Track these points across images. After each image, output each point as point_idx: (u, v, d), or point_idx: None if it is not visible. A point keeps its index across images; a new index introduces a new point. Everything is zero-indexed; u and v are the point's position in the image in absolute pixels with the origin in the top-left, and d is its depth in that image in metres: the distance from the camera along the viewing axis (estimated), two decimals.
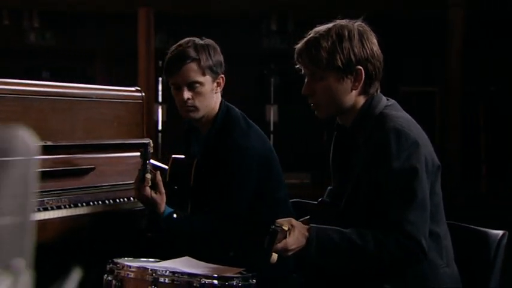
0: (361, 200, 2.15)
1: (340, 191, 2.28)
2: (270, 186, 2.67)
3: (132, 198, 3.03)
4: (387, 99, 2.27)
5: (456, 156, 8.37)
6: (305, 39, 2.24)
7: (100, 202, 2.88)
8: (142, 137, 3.27)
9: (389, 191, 2.07)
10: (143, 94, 3.29)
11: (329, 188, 2.57)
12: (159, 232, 2.59)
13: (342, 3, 8.98)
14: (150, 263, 2.20)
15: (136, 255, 2.50)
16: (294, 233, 2.07)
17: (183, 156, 2.92)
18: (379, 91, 2.25)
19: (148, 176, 2.46)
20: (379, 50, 2.23)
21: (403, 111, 2.24)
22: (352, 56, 2.16)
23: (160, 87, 10.14)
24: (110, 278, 2.14)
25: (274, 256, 2.03)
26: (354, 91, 2.20)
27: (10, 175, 0.88)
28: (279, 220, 2.13)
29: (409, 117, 2.21)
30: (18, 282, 0.89)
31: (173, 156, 2.86)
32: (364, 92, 2.21)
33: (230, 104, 2.78)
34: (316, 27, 2.29)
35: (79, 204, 2.79)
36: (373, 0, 8.86)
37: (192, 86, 2.63)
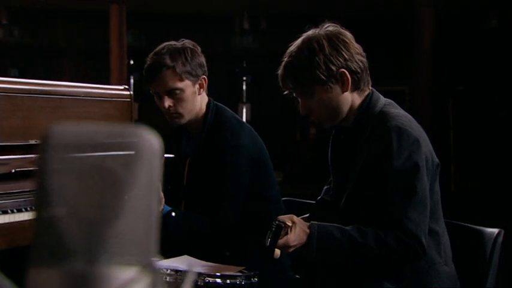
0: (361, 198, 2.18)
1: (340, 189, 2.30)
2: (263, 184, 2.69)
3: None
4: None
5: None
6: (282, 64, 2.29)
7: None
8: None
9: (390, 189, 2.11)
10: (131, 93, 3.29)
11: (325, 187, 2.60)
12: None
13: (312, 3, 9.04)
14: None
15: None
16: (296, 230, 2.10)
17: (172, 156, 2.93)
18: (370, 84, 2.29)
19: None
20: (356, 44, 2.26)
21: (401, 109, 2.28)
22: (331, 65, 2.20)
23: (132, 86, 10.09)
24: None
25: (277, 252, 2.08)
26: (345, 92, 2.23)
27: (137, 174, 0.88)
28: (281, 217, 2.17)
29: (409, 115, 2.25)
30: (157, 282, 0.91)
31: (164, 155, 2.86)
32: (356, 88, 2.25)
33: (219, 103, 2.79)
34: (288, 47, 2.33)
35: None
36: (342, 0, 8.92)
37: (171, 93, 2.65)
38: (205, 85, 2.71)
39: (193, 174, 2.71)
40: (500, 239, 2.30)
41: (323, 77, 2.19)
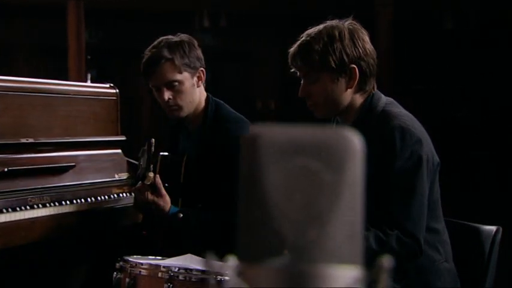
0: (364, 197, 2.20)
1: None
2: None
3: (112, 196, 3.02)
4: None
5: None
6: (297, 42, 2.29)
7: (83, 200, 2.85)
8: (117, 134, 3.26)
9: (391, 188, 2.13)
10: (117, 91, 3.28)
11: None
12: (154, 230, 2.59)
13: (274, 2, 9.08)
14: (157, 261, 2.19)
15: (130, 253, 2.49)
16: None
17: (167, 154, 2.92)
18: (375, 88, 2.31)
19: (151, 174, 2.44)
20: (372, 47, 2.29)
21: (402, 108, 2.30)
22: (345, 56, 2.21)
23: (89, 83, 9.96)
24: (120, 276, 2.13)
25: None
26: (349, 90, 2.25)
27: (344, 175, 0.89)
28: None
29: (410, 114, 2.27)
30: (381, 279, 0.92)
31: (160, 153, 2.85)
32: (360, 89, 2.26)
33: (216, 99, 2.80)
34: (307, 29, 2.35)
35: (62, 203, 2.76)
36: (304, 0, 8.99)
37: (170, 85, 2.66)
38: (203, 78, 2.72)
39: (191, 171, 2.71)
40: (499, 236, 2.34)
41: (333, 65, 2.20)
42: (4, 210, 2.55)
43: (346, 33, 2.22)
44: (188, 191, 2.73)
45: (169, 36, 2.73)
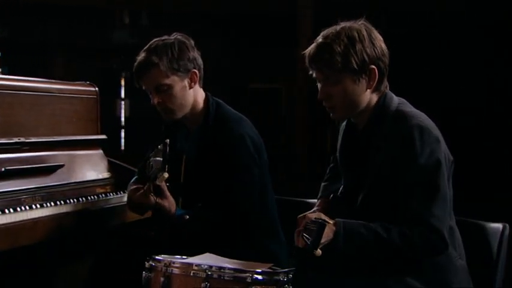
0: (381, 196, 2.21)
1: (353, 187, 2.33)
2: (263, 173, 2.72)
3: (101, 196, 2.99)
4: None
5: (303, 151, 8.87)
6: (315, 44, 2.26)
7: (75, 200, 2.82)
8: (98, 133, 3.22)
9: (413, 186, 2.14)
10: (97, 89, 3.24)
11: (323, 183, 2.64)
12: (162, 230, 2.58)
13: (194, 2, 9.06)
14: (188, 260, 2.16)
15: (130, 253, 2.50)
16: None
17: None
18: (388, 88, 2.33)
19: (166, 174, 2.42)
20: (385, 46, 2.29)
21: (413, 108, 2.34)
22: (366, 57, 2.21)
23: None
24: (150, 275, 2.11)
25: (319, 250, 2.04)
26: (368, 90, 2.26)
27: None
28: (310, 214, 2.20)
29: (423, 113, 2.27)
30: None
31: (150, 153, 2.83)
32: (376, 89, 2.28)
33: (216, 98, 2.79)
34: (322, 31, 2.36)
35: (52, 203, 2.71)
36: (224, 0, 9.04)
37: (159, 89, 2.67)
38: (197, 79, 2.70)
39: (192, 170, 2.71)
40: (507, 233, 2.32)
41: (355, 67, 2.19)
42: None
43: (365, 34, 2.23)
44: (189, 190, 2.73)
45: (164, 37, 2.71)
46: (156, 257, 2.14)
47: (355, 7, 9.31)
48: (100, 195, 2.97)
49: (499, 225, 2.36)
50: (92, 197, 2.91)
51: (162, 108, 2.69)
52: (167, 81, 2.65)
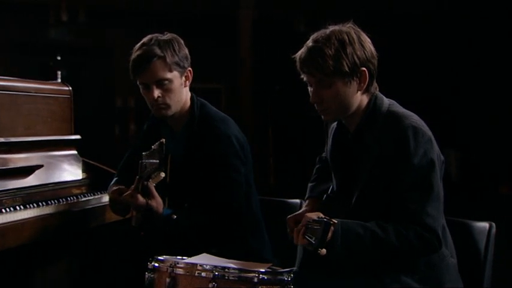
0: (374, 196, 2.24)
1: (346, 188, 2.36)
2: (248, 171, 2.75)
3: (79, 197, 2.96)
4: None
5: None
6: (306, 48, 2.27)
7: (56, 201, 2.79)
8: (72, 133, 3.18)
9: (408, 186, 2.18)
10: (70, 88, 3.20)
11: (310, 184, 2.66)
12: (152, 231, 2.56)
13: None
14: (193, 260, 2.16)
15: (127, 254, 2.48)
16: None
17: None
18: (377, 89, 2.36)
19: (163, 174, 2.41)
20: (374, 48, 2.33)
21: (403, 108, 2.39)
22: (356, 59, 2.25)
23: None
24: (153, 276, 2.10)
25: (324, 250, 2.06)
26: (359, 92, 2.30)
27: None
28: (309, 214, 2.23)
29: (414, 114, 2.31)
30: None
31: (144, 153, 2.81)
32: (366, 91, 2.32)
33: (200, 98, 2.80)
34: (312, 34, 2.38)
35: (35, 205, 2.67)
36: None
37: (160, 83, 2.64)
38: (190, 77, 2.71)
39: (178, 170, 2.70)
40: (493, 232, 2.36)
41: (347, 69, 2.22)
42: None
43: (354, 36, 2.26)
44: (175, 190, 2.72)
45: (158, 34, 2.69)
46: (159, 258, 2.14)
47: (297, 6, 9.46)
48: (78, 196, 2.93)
49: (485, 224, 2.40)
50: (71, 198, 2.87)
51: (159, 103, 2.66)
52: (169, 75, 2.65)
